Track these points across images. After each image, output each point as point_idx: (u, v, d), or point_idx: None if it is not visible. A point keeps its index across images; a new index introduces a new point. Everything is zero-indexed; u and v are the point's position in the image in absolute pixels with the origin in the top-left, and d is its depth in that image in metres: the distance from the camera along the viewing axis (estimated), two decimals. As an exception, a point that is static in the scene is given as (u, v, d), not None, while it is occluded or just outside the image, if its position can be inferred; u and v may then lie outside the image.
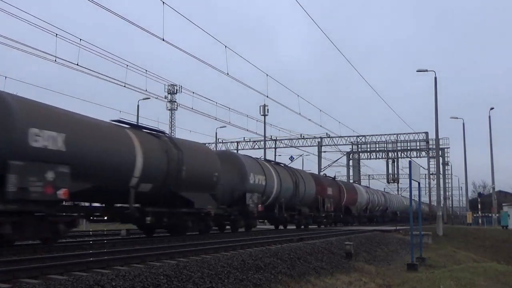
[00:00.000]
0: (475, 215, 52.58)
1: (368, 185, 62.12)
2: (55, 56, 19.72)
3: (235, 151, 47.88)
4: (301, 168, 35.38)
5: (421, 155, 53.56)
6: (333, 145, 53.70)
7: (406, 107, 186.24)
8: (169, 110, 48.65)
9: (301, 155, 55.44)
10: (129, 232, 18.98)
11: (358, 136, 53.91)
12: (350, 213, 37.19)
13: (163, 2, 18.56)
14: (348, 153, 56.75)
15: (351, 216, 37.78)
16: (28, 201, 10.43)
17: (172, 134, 44.23)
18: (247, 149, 51.20)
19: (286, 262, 11.94)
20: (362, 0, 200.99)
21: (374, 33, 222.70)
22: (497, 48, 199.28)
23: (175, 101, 47.98)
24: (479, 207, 53.07)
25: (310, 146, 53.53)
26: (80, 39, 20.21)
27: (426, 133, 51.37)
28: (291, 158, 52.11)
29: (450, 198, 75.73)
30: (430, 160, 52.56)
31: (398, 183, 66.08)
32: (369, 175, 76.84)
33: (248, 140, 51.51)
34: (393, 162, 56.06)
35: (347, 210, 36.54)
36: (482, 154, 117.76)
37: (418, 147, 52.70)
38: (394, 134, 52.75)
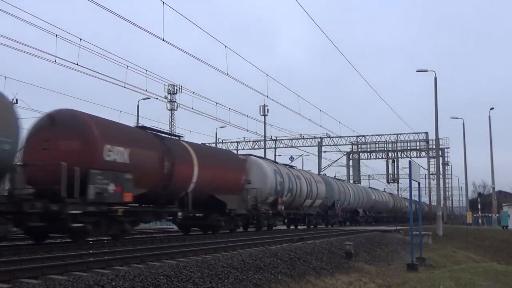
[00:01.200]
0: (475, 215, 52.60)
1: (368, 185, 61.90)
2: (55, 56, 19.68)
3: (235, 151, 47.85)
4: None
5: (421, 155, 53.59)
6: (333, 145, 53.73)
7: (406, 107, 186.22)
8: (169, 110, 48.65)
9: (301, 155, 55.41)
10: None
11: (358, 136, 53.93)
12: (223, 209, 19.09)
13: (163, 2, 18.56)
14: (348, 153, 56.73)
15: (226, 216, 19.54)
16: None
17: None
18: (247, 149, 51.24)
19: (286, 262, 11.94)
20: (362, 0, 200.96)
21: (374, 33, 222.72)
22: (497, 48, 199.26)
23: (175, 101, 47.98)
24: (479, 207, 53.08)
25: (310, 146, 53.56)
26: (80, 39, 20.18)
27: (426, 133, 51.40)
28: (291, 158, 52.12)
29: (450, 198, 75.86)
30: (430, 160, 52.56)
31: (398, 183, 66.14)
32: (369, 175, 76.94)
33: (248, 140, 51.53)
34: (393, 162, 56.06)
35: (210, 203, 18.54)
36: (482, 154, 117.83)
37: (418, 147, 52.70)
38: (394, 134, 52.78)
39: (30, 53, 19.64)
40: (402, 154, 54.40)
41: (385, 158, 56.02)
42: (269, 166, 24.68)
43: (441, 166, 47.85)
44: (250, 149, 51.02)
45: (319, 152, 54.10)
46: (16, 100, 22.19)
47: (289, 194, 25.99)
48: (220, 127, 44.10)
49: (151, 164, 15.13)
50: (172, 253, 11.07)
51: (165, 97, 45.66)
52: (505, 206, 47.15)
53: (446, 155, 54.92)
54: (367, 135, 54.08)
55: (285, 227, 28.99)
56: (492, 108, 44.24)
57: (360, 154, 56.28)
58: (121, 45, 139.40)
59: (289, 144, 53.07)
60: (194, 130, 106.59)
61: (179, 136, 19.24)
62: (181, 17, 23.46)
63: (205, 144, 38.99)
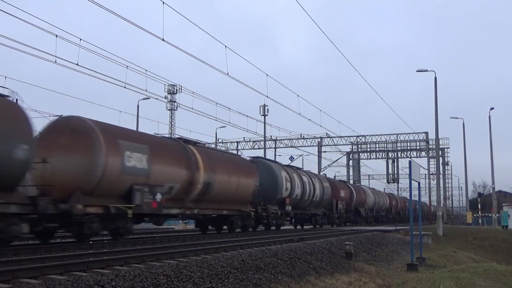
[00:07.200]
0: (475, 215, 52.57)
1: (368, 185, 61.78)
2: (55, 56, 19.66)
3: (235, 151, 47.88)
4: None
5: (421, 155, 53.54)
6: (333, 145, 53.68)
7: (406, 107, 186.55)
8: (169, 110, 48.71)
9: (301, 155, 55.37)
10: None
11: (358, 136, 53.91)
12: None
13: (163, 2, 18.56)
14: (348, 153, 56.71)
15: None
16: None
17: (172, 134, 44.20)
18: (247, 149, 51.30)
19: (286, 262, 11.94)
20: (363, 1, 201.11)
21: (375, 34, 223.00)
22: (497, 48, 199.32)
23: (175, 101, 48.00)
24: (479, 207, 53.05)
25: (310, 146, 53.52)
26: (80, 39, 20.17)
27: (426, 133, 51.39)
28: (291, 158, 52.10)
29: (450, 198, 75.78)
30: (430, 160, 52.53)
31: (398, 183, 66.09)
32: (369, 175, 76.90)
33: (248, 140, 51.52)
34: (393, 162, 56.04)
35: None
36: (482, 154, 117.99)
37: (418, 147, 52.67)
38: (394, 134, 52.78)
39: (30, 53, 19.60)
40: (402, 154, 54.39)
41: (385, 158, 56.01)
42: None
43: (441, 166, 47.80)
44: (250, 149, 51.11)
45: (319, 152, 54.07)
46: (16, 100, 22.14)
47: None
48: (220, 127, 44.05)
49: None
50: (172, 253, 11.07)
51: (165, 97, 45.77)
52: (505, 206, 47.10)
53: (446, 155, 54.86)
54: (367, 135, 54.10)
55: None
56: (492, 108, 44.25)
57: (360, 154, 56.28)
58: (121, 45, 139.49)
59: (289, 144, 53.05)
60: (194, 130, 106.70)
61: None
62: (182, 17, 23.47)
63: (204, 144, 38.82)
